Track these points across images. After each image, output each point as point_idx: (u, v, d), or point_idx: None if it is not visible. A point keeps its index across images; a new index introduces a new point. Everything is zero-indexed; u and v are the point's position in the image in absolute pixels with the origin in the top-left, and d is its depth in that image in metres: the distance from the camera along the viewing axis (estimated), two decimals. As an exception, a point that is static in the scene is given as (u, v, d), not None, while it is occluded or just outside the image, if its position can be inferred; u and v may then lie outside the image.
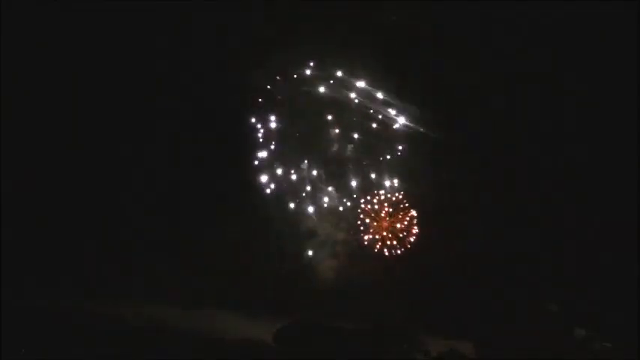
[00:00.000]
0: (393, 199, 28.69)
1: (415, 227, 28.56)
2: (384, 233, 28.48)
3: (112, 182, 28.00)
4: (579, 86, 27.83)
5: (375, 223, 28.51)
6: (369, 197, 28.67)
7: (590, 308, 26.14)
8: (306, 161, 28.63)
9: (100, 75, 28.18)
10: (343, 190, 28.72)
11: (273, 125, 28.60)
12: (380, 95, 28.57)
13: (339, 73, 28.49)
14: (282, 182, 28.48)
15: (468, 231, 27.51)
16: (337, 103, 28.66)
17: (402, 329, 26.56)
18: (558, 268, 27.04)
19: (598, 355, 25.38)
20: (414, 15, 28.42)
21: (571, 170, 27.76)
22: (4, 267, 25.88)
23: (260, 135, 28.58)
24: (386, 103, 28.64)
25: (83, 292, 26.50)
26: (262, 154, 28.49)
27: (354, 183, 28.72)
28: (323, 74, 28.52)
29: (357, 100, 28.63)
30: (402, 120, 28.61)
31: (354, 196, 28.63)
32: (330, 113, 28.63)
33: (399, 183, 28.76)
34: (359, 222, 28.51)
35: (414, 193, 28.56)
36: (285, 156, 28.59)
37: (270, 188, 28.40)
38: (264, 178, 28.37)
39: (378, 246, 28.31)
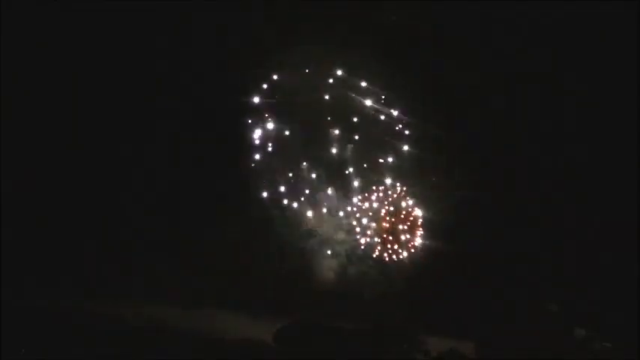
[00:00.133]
0: (395, 195, 28.43)
1: (420, 229, 28.35)
2: (385, 235, 28.36)
3: (112, 182, 27.98)
4: (579, 86, 27.84)
5: (374, 224, 28.37)
6: (366, 194, 28.44)
7: (590, 308, 26.13)
8: (305, 162, 28.60)
9: (100, 75, 28.16)
10: (343, 190, 28.70)
11: (272, 125, 28.57)
12: (380, 95, 28.57)
13: (339, 73, 28.47)
14: (282, 182, 28.47)
15: (467, 231, 27.46)
16: (337, 104, 28.64)
17: (402, 329, 26.53)
18: (558, 268, 27.04)
19: (598, 355, 25.37)
20: (414, 15, 28.43)
21: (571, 170, 27.77)
22: (4, 267, 25.88)
23: (260, 135, 28.57)
24: (386, 104, 28.64)
25: (83, 292, 26.48)
26: (262, 154, 28.48)
27: (354, 184, 28.69)
28: (323, 74, 28.51)
29: (357, 101, 28.62)
30: (402, 120, 28.60)
31: (355, 196, 28.60)
32: (331, 113, 28.62)
33: (399, 183, 28.70)
34: (355, 223, 28.36)
35: (414, 194, 28.52)
36: (284, 156, 28.57)
37: (270, 188, 28.38)
38: (264, 179, 28.36)
39: (377, 250, 28.12)
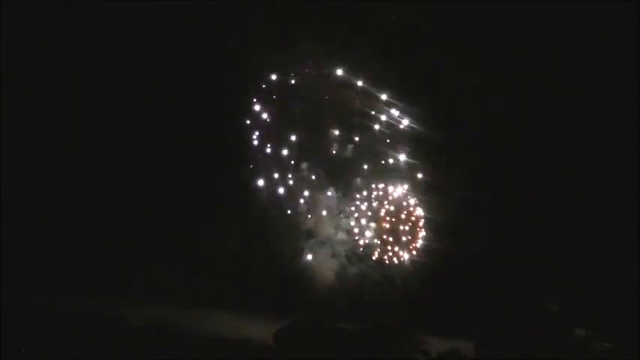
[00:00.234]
0: (395, 194, 28.31)
1: (422, 230, 28.20)
2: (384, 237, 28.27)
3: (112, 182, 27.98)
4: (579, 86, 27.84)
5: (374, 225, 28.28)
6: (364, 193, 28.34)
7: (590, 308, 26.12)
8: (305, 162, 28.59)
9: (100, 75, 28.18)
10: (343, 190, 28.68)
11: (273, 126, 28.56)
12: (380, 95, 28.55)
13: (339, 73, 28.46)
14: (281, 183, 28.46)
15: (467, 231, 27.45)
16: (337, 104, 28.62)
17: (402, 329, 26.51)
18: (558, 268, 27.04)
19: (598, 355, 25.34)
20: (414, 15, 28.41)
21: (571, 170, 27.77)
22: (4, 267, 25.88)
23: (260, 135, 28.56)
24: (386, 104, 28.62)
25: (83, 292, 26.48)
26: (262, 154, 28.47)
27: (354, 184, 28.67)
28: (323, 74, 28.49)
29: (357, 101, 28.60)
30: (402, 120, 28.58)
31: (354, 196, 28.59)
32: (331, 114, 28.60)
33: (400, 183, 28.67)
34: (353, 223, 28.28)
35: (415, 194, 28.49)
36: (284, 157, 28.56)
37: (270, 189, 28.37)
38: (263, 179, 28.35)
39: (377, 252, 28.02)
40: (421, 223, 28.24)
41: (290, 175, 28.39)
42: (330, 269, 28.18)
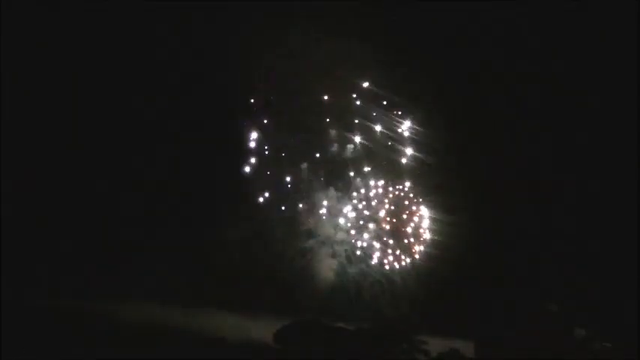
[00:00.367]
0: (396, 192, 28.02)
1: (426, 231, 27.88)
2: (385, 238, 28.15)
3: (112, 182, 27.99)
4: (579, 86, 27.87)
5: (373, 226, 28.14)
6: (362, 191, 28.17)
7: (590, 308, 26.13)
8: (306, 162, 28.59)
9: (100, 75, 28.18)
10: (343, 190, 28.67)
11: (273, 126, 28.57)
12: (380, 96, 28.55)
13: (340, 74, 28.45)
14: (282, 183, 28.46)
15: (467, 231, 27.46)
16: (337, 104, 28.63)
17: (402, 329, 26.51)
18: (558, 268, 27.05)
19: (598, 355, 25.35)
20: (414, 15, 28.41)
21: (571, 170, 27.79)
22: (4, 267, 25.89)
23: (260, 135, 28.56)
24: (386, 104, 28.63)
25: (83, 292, 26.49)
26: (262, 154, 28.48)
27: (354, 184, 28.66)
28: (323, 75, 28.49)
29: (357, 102, 28.61)
30: (402, 120, 28.59)
31: (354, 196, 28.57)
32: (331, 114, 28.61)
33: (400, 182, 28.63)
34: (349, 225, 28.17)
35: (416, 193, 28.43)
36: (285, 157, 28.56)
37: (270, 189, 28.38)
38: (264, 179, 28.35)
39: (376, 255, 27.89)
40: (425, 224, 28.11)
41: (291, 175, 28.40)
42: (330, 269, 28.18)
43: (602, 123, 27.84)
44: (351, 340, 25.76)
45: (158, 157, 28.25)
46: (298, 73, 28.41)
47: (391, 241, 27.92)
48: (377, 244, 27.90)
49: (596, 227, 27.26)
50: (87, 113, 28.17)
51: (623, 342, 25.24)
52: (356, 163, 28.66)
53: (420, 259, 27.96)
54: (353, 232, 28.34)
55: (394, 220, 28.18)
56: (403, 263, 27.87)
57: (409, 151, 28.63)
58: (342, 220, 28.45)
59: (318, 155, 28.59)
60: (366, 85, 28.46)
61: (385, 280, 27.93)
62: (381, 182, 28.56)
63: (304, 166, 28.56)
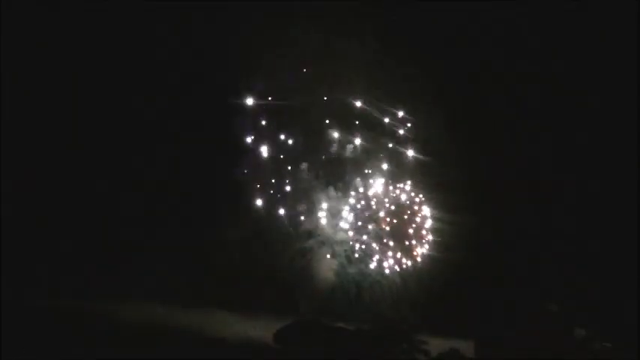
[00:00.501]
0: (397, 192, 27.90)
1: (426, 231, 27.76)
2: (385, 239, 28.05)
3: (112, 182, 27.98)
4: (579, 86, 27.88)
5: (373, 226, 28.10)
6: (360, 190, 28.08)
7: (590, 308, 26.14)
8: (306, 162, 28.59)
9: (99, 75, 28.17)
10: (343, 191, 28.66)
11: (272, 126, 28.56)
12: (380, 96, 28.54)
13: (340, 74, 28.45)
14: (282, 183, 28.46)
15: (467, 231, 27.46)
16: (337, 105, 28.62)
17: (402, 329, 26.51)
18: (558, 268, 27.06)
19: (598, 355, 25.36)
20: (413, 15, 28.41)
21: (571, 170, 27.80)
22: (4, 267, 25.89)
23: (260, 135, 28.56)
24: (386, 104, 28.63)
25: (83, 292, 26.49)
26: (262, 154, 28.47)
27: (353, 184, 28.65)
28: (323, 75, 28.49)
29: (357, 102, 28.61)
30: (402, 120, 28.58)
31: (353, 196, 28.55)
32: (331, 114, 28.61)
33: (400, 183, 28.61)
34: (347, 226, 28.04)
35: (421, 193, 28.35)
36: (285, 157, 28.56)
37: (270, 189, 28.37)
38: (264, 179, 28.35)
39: (376, 257, 27.79)
40: (425, 224, 28.06)
41: (291, 175, 28.40)
42: (330, 269, 28.18)
43: (602, 123, 27.86)
44: (351, 340, 25.76)
45: (158, 157, 28.24)
46: (298, 72, 28.42)
47: (391, 242, 27.89)
48: (377, 245, 27.84)
49: (596, 227, 27.26)
50: (87, 113, 28.15)
51: (623, 342, 25.25)
52: (356, 163, 28.65)
53: (420, 259, 27.94)
54: (353, 232, 28.32)
55: (394, 221, 28.16)
56: (403, 263, 27.83)
57: (409, 151, 28.63)
58: (342, 220, 28.43)
59: (318, 155, 28.57)
60: (366, 85, 28.42)
61: (385, 280, 27.94)
62: (381, 182, 28.52)
63: (304, 166, 28.53)
